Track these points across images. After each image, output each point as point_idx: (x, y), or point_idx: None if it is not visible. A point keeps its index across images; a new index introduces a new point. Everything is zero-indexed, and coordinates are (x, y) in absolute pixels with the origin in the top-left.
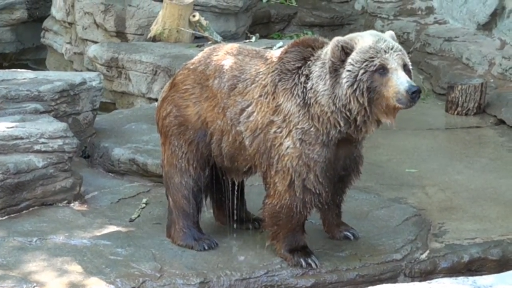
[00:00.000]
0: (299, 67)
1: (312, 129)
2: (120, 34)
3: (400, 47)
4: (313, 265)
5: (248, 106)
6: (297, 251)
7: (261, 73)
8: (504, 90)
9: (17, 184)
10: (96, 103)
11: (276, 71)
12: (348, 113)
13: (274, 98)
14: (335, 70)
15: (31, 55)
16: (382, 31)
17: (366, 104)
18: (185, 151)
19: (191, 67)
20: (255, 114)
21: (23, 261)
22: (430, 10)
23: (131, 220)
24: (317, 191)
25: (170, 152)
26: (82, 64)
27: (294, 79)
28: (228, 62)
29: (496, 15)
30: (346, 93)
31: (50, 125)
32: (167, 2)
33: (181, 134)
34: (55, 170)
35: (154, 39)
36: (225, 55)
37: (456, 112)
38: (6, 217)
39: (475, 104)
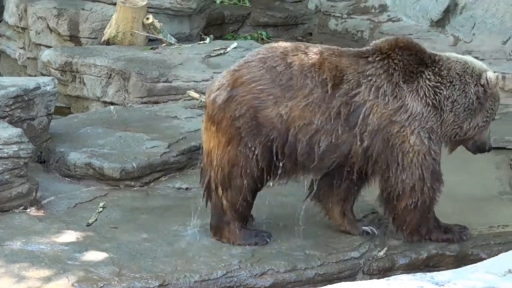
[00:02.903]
0: (423, 71)
1: (439, 130)
2: (74, 38)
3: None
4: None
5: (359, 107)
6: (445, 228)
7: (369, 75)
8: None
9: None
10: (51, 108)
11: (396, 74)
12: (458, 133)
13: (395, 98)
14: (478, 99)
15: None
16: (336, 30)
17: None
18: (257, 152)
19: (264, 65)
20: (371, 116)
21: None
22: (383, 8)
23: (88, 225)
24: (442, 179)
25: (237, 153)
26: (36, 69)
27: (419, 81)
28: (319, 62)
29: (449, 11)
30: (479, 123)
31: (4, 131)
32: (121, 5)
33: (256, 136)
34: (10, 176)
35: (108, 43)
36: (307, 54)
37: None
38: None
39: None
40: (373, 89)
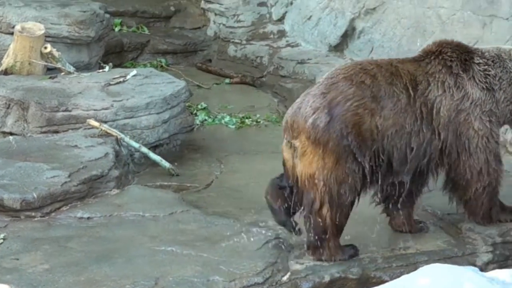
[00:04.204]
0: (472, 58)
1: (497, 111)
2: None
3: None
4: None
5: (433, 104)
6: (510, 209)
7: (432, 73)
8: None
9: None
10: None
11: (454, 64)
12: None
13: (458, 88)
14: None
15: None
16: (235, 56)
17: None
18: (365, 166)
19: (353, 82)
20: (441, 109)
21: None
22: (282, 34)
23: None
24: (502, 160)
25: (345, 170)
26: None
27: (473, 68)
28: (395, 70)
29: (347, 36)
30: None
31: None
32: (18, 35)
33: (363, 150)
34: None
35: (5, 72)
36: (381, 66)
37: None
38: None
39: None
40: (439, 84)
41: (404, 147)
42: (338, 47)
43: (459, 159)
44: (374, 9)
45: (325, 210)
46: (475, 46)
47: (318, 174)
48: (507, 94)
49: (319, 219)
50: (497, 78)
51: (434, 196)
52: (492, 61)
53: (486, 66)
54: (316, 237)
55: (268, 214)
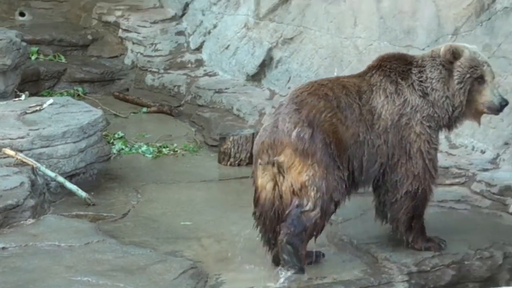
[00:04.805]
0: (410, 69)
1: (435, 115)
2: None
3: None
4: (442, 245)
5: (377, 110)
6: (428, 237)
7: (375, 83)
8: None
9: None
10: None
11: (392, 73)
12: (452, 105)
13: (399, 95)
14: (446, 69)
15: None
16: (153, 85)
17: (464, 103)
18: (346, 172)
19: (320, 97)
20: (383, 113)
21: None
22: (200, 63)
23: None
24: (438, 172)
25: (334, 178)
26: None
27: (412, 77)
28: (346, 84)
29: (264, 65)
30: (455, 88)
31: None
32: None
33: (343, 157)
34: None
35: None
36: (334, 81)
37: (229, 163)
38: None
39: (247, 154)
40: (381, 91)
41: (361, 156)
42: (256, 77)
43: (398, 162)
44: (291, 38)
45: (315, 212)
46: (418, 55)
47: (311, 182)
48: (439, 91)
49: (305, 219)
50: (428, 81)
51: (351, 225)
52: (425, 66)
53: (420, 73)
54: (294, 236)
55: (185, 244)
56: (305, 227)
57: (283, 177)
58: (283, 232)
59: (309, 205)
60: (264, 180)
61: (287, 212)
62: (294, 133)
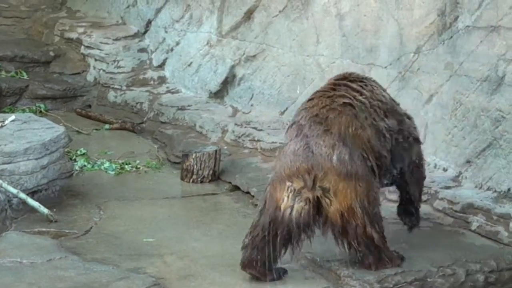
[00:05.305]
0: None
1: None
2: None
3: None
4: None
5: None
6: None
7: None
8: (237, 157)
9: None
10: None
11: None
12: None
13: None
14: None
15: None
16: (115, 102)
17: None
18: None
19: (338, 110)
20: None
21: None
22: (162, 80)
23: None
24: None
25: (374, 190)
26: None
27: None
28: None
29: (227, 83)
30: None
31: None
32: None
33: (379, 167)
34: None
35: None
36: (329, 91)
37: (191, 180)
38: None
39: (210, 171)
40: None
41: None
42: (219, 94)
43: None
44: (254, 56)
45: (369, 229)
46: None
47: (354, 202)
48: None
49: (368, 240)
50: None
51: (314, 243)
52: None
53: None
54: (374, 254)
55: (147, 261)
56: (376, 245)
57: (329, 200)
58: (367, 263)
59: (360, 227)
60: (293, 202)
61: (350, 240)
62: (334, 158)
